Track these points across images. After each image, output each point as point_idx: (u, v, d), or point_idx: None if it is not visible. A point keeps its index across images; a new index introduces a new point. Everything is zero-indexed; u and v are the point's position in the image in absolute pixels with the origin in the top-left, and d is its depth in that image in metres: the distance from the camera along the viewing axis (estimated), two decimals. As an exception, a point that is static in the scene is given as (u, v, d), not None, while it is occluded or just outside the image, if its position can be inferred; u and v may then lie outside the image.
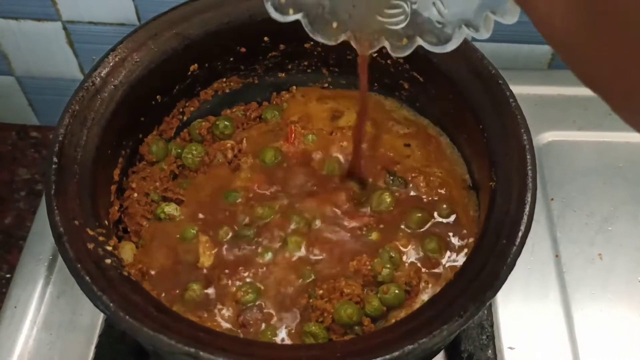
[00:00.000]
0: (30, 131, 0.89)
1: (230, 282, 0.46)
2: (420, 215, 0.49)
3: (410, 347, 0.37)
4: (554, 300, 0.57)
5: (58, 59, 0.80)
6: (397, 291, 0.46)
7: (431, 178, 0.52)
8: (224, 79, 0.56)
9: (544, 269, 0.58)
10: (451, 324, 0.37)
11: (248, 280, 0.47)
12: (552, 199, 0.62)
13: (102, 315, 0.56)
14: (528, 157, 0.43)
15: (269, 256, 0.48)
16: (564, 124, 0.67)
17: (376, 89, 0.56)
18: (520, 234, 0.40)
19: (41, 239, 0.60)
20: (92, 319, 0.56)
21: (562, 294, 0.57)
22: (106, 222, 0.45)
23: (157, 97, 0.52)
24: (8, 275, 0.78)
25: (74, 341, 0.55)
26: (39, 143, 0.89)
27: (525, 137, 0.44)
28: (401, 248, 0.48)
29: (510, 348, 0.54)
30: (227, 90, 0.57)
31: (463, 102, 0.48)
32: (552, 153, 0.65)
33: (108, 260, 0.41)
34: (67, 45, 0.78)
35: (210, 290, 0.46)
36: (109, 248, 0.42)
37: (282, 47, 0.55)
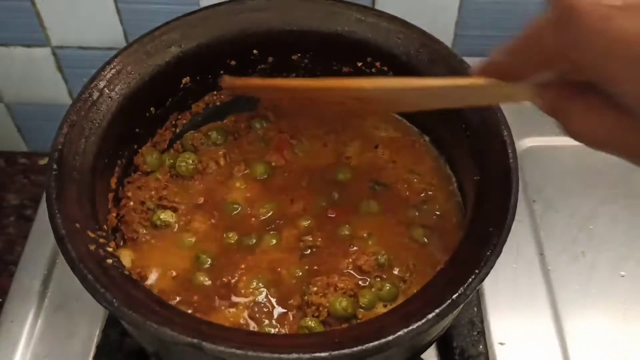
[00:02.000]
0: (18, 158, 0.90)
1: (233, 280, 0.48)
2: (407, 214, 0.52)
3: (405, 330, 0.38)
4: (541, 296, 0.59)
5: (47, 85, 0.81)
6: (389, 287, 0.47)
7: (414, 180, 0.54)
8: (215, 92, 0.58)
9: (530, 267, 0.60)
10: (442, 307, 0.39)
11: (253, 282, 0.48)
12: (534, 201, 0.65)
13: (99, 326, 0.57)
14: (509, 150, 0.45)
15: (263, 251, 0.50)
16: (543, 129, 0.70)
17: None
18: (507, 221, 0.42)
19: (36, 254, 0.61)
20: (90, 331, 0.56)
21: (549, 290, 0.59)
22: (105, 227, 0.47)
23: (151, 108, 0.54)
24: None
25: (71, 353, 0.56)
26: (28, 169, 0.90)
27: (505, 132, 0.46)
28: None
29: (501, 343, 0.56)
30: (218, 103, 0.59)
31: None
32: (532, 158, 0.68)
33: (109, 261, 0.42)
34: (56, 70, 0.80)
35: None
36: (110, 249, 0.43)
37: (270, 59, 0.57)
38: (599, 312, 0.58)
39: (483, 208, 0.44)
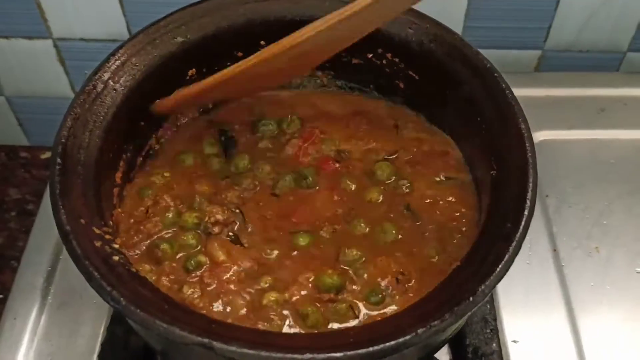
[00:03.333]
0: (20, 151, 0.89)
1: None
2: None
3: (422, 329, 0.37)
4: (554, 293, 0.57)
5: (49, 77, 0.80)
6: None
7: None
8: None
9: (543, 263, 0.59)
10: (461, 306, 0.38)
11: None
12: (547, 196, 0.63)
13: (104, 323, 0.55)
14: (527, 143, 0.44)
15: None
16: (555, 123, 0.69)
17: (372, 90, 0.57)
18: (524, 216, 0.40)
19: (39, 250, 0.60)
20: (94, 328, 0.55)
21: (562, 286, 0.58)
22: (111, 223, 0.45)
23: (157, 101, 0.53)
24: (1, 296, 0.77)
25: (75, 351, 0.55)
26: (29, 163, 0.89)
27: (523, 125, 0.45)
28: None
29: (514, 341, 0.54)
30: (225, 96, 0.57)
31: (461, 96, 0.49)
32: (545, 152, 0.66)
33: (116, 257, 0.41)
34: (57, 63, 0.78)
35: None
36: (116, 246, 0.42)
37: (278, 51, 0.56)
38: (614, 309, 0.57)
39: (500, 204, 0.43)
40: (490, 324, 0.54)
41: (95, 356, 0.54)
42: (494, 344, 0.53)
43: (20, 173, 0.88)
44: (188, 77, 0.54)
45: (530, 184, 0.42)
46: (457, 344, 0.54)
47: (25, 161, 0.89)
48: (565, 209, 0.63)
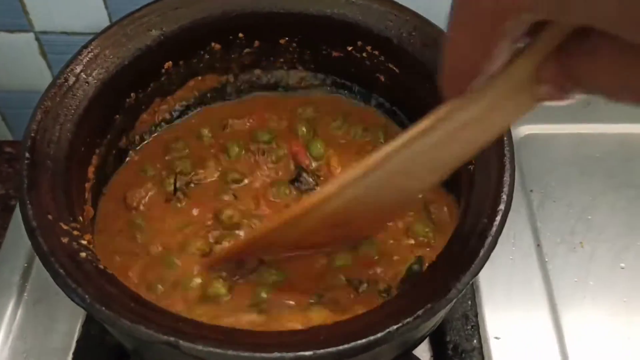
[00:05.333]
0: (4, 146, 0.88)
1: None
2: None
3: (394, 327, 0.36)
4: (538, 289, 0.57)
5: (31, 71, 0.79)
6: None
7: None
8: (200, 77, 0.55)
9: (526, 258, 0.58)
10: (434, 303, 0.37)
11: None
12: (531, 190, 0.63)
13: (80, 320, 0.55)
14: (505, 138, 0.43)
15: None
16: (540, 117, 0.68)
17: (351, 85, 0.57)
18: (500, 212, 0.40)
19: (15, 247, 0.59)
20: (70, 325, 0.55)
21: (546, 282, 0.57)
22: (81, 219, 0.44)
23: (132, 94, 0.52)
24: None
25: (51, 348, 0.54)
26: (13, 158, 0.88)
27: (502, 119, 0.44)
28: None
29: (496, 338, 0.54)
30: (204, 89, 0.57)
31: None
32: (529, 146, 0.66)
33: (83, 254, 0.40)
34: (40, 57, 0.77)
35: None
36: (84, 242, 0.41)
37: (256, 43, 0.55)
38: (598, 304, 0.56)
39: (476, 199, 0.42)
40: (472, 320, 0.54)
41: (70, 353, 0.53)
42: (475, 341, 0.53)
43: (4, 168, 0.87)
44: (164, 70, 0.53)
45: (507, 178, 0.41)
46: (437, 341, 0.53)
47: (9, 156, 0.88)
48: (549, 203, 0.62)
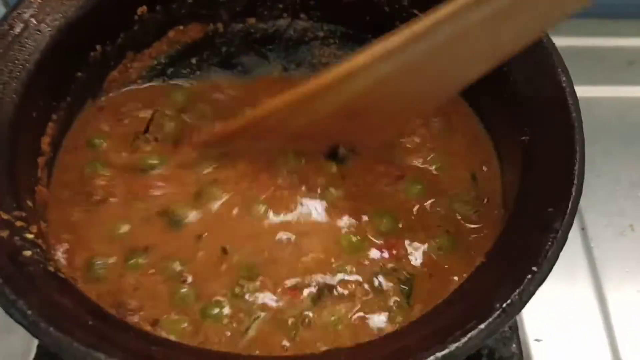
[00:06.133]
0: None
1: None
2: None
3: (438, 354, 0.27)
4: (583, 280, 0.51)
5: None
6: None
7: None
8: (181, 27, 0.47)
9: (570, 244, 0.48)
10: (491, 319, 0.28)
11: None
12: (571, 164, 0.54)
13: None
14: (569, 100, 0.34)
15: None
16: (577, 78, 0.59)
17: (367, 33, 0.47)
18: (572, 197, 0.31)
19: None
20: (28, 344, 0.46)
21: (592, 272, 0.51)
22: (29, 203, 0.35)
23: (97, 46, 0.43)
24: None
25: (11, 353, 0.47)
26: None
27: (563, 77, 0.35)
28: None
29: (537, 340, 0.48)
30: (186, 42, 0.48)
31: None
32: (567, 112, 0.58)
33: (28, 252, 0.31)
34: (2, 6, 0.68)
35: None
36: (30, 236, 0.32)
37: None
38: (653, 297, 0.49)
39: (536, 180, 0.33)
40: (509, 321, 0.46)
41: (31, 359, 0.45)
42: (514, 345, 0.45)
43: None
44: (137, 17, 0.44)
45: (578, 153, 0.32)
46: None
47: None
48: (592, 179, 0.54)
